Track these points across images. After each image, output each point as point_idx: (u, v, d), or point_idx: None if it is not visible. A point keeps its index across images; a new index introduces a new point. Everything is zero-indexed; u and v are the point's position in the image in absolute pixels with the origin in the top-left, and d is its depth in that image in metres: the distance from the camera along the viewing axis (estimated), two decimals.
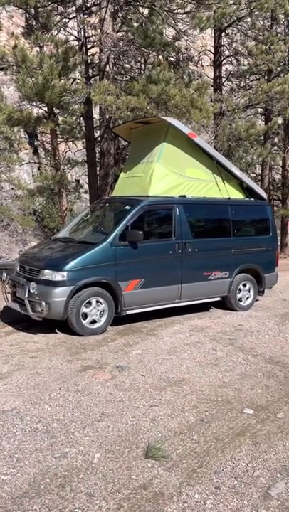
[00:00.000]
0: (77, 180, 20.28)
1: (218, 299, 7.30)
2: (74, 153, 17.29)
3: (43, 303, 5.64)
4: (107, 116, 11.38)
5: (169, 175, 6.85)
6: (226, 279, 7.20)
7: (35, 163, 19.19)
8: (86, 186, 15.78)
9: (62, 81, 10.86)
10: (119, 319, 6.32)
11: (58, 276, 5.73)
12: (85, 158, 14.19)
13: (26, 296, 5.79)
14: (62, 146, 16.57)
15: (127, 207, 6.38)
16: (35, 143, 23.53)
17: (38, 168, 19.35)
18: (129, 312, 6.28)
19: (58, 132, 13.24)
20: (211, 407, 3.88)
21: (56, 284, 5.71)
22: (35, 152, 22.81)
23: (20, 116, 10.73)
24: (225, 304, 7.39)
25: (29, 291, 5.80)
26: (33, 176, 17.09)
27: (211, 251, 6.97)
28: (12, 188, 21.54)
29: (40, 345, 5.49)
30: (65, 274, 5.72)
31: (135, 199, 6.56)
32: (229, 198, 7.40)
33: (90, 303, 5.91)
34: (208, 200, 7.17)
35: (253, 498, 2.68)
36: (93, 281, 5.89)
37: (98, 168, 13.03)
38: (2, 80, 16.40)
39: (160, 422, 3.57)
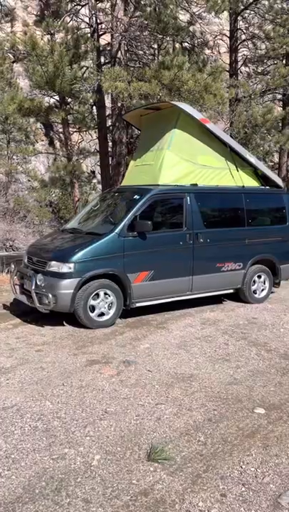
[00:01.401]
0: (93, 172, 20.10)
1: (231, 291, 7.06)
2: (88, 143, 17.09)
3: (50, 295, 5.51)
4: (119, 104, 11.15)
5: (180, 162, 6.60)
6: (239, 270, 6.95)
7: (48, 153, 19.09)
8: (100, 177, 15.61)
9: (73, 69, 10.65)
10: (129, 312, 6.16)
11: (65, 268, 5.58)
12: (98, 148, 14.01)
13: (33, 288, 5.67)
14: (75, 136, 16.41)
15: (136, 196, 6.17)
16: (51, 134, 23.42)
17: (54, 160, 19.27)
18: (138, 305, 6.11)
19: (69, 122, 13.07)
20: (220, 406, 3.68)
21: (63, 275, 5.56)
22: (51, 143, 22.70)
23: (31, 105, 10.60)
24: (239, 296, 7.15)
25: (36, 283, 5.67)
26: (49, 167, 16.97)
27: (223, 241, 6.72)
28: (28, 180, 21.53)
29: (47, 338, 5.37)
30: (71, 265, 5.57)
31: (144, 188, 6.34)
32: (243, 186, 7.12)
33: (97, 295, 5.75)
34: (221, 189, 6.91)
35: (262, 508, 2.49)
36: (101, 272, 5.73)
37: (110, 158, 12.84)
38: (18, 71, 16.30)
39: (165, 421, 3.40)
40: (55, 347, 5.04)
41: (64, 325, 5.87)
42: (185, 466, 2.85)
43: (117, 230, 5.85)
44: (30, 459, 2.87)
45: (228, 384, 4.14)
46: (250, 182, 7.29)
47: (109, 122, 13.28)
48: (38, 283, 5.66)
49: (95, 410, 3.53)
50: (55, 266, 5.65)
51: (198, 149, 6.77)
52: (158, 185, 6.42)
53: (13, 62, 18.80)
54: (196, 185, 6.67)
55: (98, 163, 14.97)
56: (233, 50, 15.36)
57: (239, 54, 15.98)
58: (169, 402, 3.71)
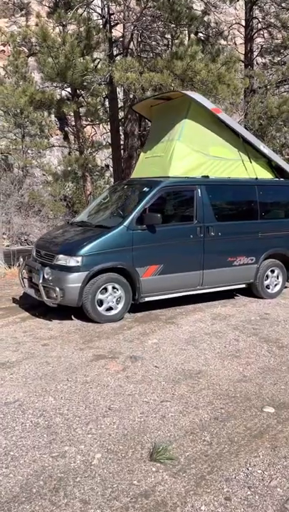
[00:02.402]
0: (107, 166, 20.00)
1: (243, 285, 6.90)
2: (101, 136, 16.96)
3: (57, 289, 5.45)
4: (131, 96, 10.98)
5: (190, 154, 6.44)
6: (252, 264, 6.78)
7: (61, 146, 19.08)
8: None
9: (85, 60, 10.51)
10: (137, 306, 6.06)
11: (72, 262, 5.50)
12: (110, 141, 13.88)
13: (40, 281, 5.61)
14: (88, 130, 16.30)
15: (145, 189, 6.05)
16: (66, 128, 23.39)
17: (69, 153, 19.29)
18: (147, 299, 6.00)
19: (81, 114, 12.97)
20: (227, 404, 3.56)
21: (70, 269, 5.49)
22: (66, 138, 22.67)
23: (43, 97, 10.51)
24: (251, 291, 6.98)
25: (43, 276, 5.61)
26: (62, 160, 17.00)
27: (235, 235, 6.56)
28: (43, 174, 21.57)
29: (54, 332, 5.32)
30: (79, 259, 5.49)
31: (154, 180, 6.21)
32: (256, 178, 6.92)
33: (106, 289, 5.67)
34: (233, 181, 6.73)
35: None
36: (109, 266, 5.63)
37: (123, 151, 12.70)
38: (33, 65, 16.30)
39: (170, 419, 3.30)
40: (62, 341, 4.97)
41: (72, 319, 5.81)
42: (189, 467, 2.74)
43: (125, 223, 5.75)
44: (30, 456, 2.80)
45: (237, 381, 4.01)
46: (264, 174, 7.09)
47: (121, 115, 13.14)
48: (46, 276, 5.60)
49: (98, 407, 3.44)
50: (62, 259, 5.58)
51: (209, 140, 6.60)
52: (168, 177, 6.28)
53: (28, 56, 18.76)
54: (207, 177, 6.51)
55: (110, 157, 14.85)
56: (248, 39, 15.02)
57: (255, 44, 15.62)
58: (174, 400, 3.60)
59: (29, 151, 21.70)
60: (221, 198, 6.66)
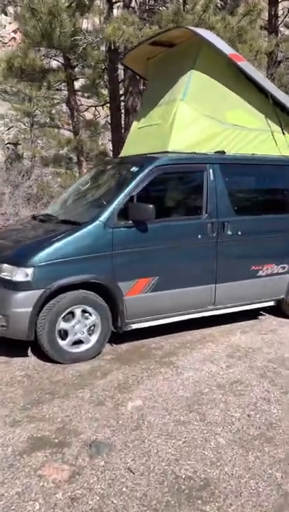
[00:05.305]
0: (113, 154, 18.59)
1: (271, 303, 5.06)
2: (104, 119, 15.30)
3: None
4: None
5: (199, 120, 4.55)
6: (283, 274, 4.95)
7: (65, 129, 17.66)
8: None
9: (74, 18, 8.66)
10: (123, 334, 4.27)
11: (20, 275, 3.70)
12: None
13: None
14: (90, 113, 14.69)
15: (134, 169, 4.21)
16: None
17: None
18: (134, 326, 4.20)
19: (76, 89, 11.17)
20: None
21: (17, 286, 3.70)
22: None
23: (23, 63, 8.68)
24: (281, 309, 5.15)
25: None
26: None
27: (261, 234, 4.72)
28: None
29: None
30: (29, 271, 3.69)
31: (145, 157, 4.38)
32: None
33: (72, 314, 3.88)
34: (259, 159, 4.84)
35: None
36: (77, 281, 3.83)
37: (123, 131, 10.87)
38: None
39: None
40: None
41: (28, 355, 4.05)
42: None
43: (102, 218, 3.93)
44: None
45: (276, 509, 2.18)
46: None
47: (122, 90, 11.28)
48: None
49: None
50: (6, 271, 3.79)
51: (226, 101, 4.71)
52: (167, 152, 4.43)
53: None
54: (223, 153, 4.64)
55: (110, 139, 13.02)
56: (272, 2, 12.93)
57: (280, 8, 13.51)
58: None
59: (38, 141, 20.39)
60: (241, 183, 4.85)
